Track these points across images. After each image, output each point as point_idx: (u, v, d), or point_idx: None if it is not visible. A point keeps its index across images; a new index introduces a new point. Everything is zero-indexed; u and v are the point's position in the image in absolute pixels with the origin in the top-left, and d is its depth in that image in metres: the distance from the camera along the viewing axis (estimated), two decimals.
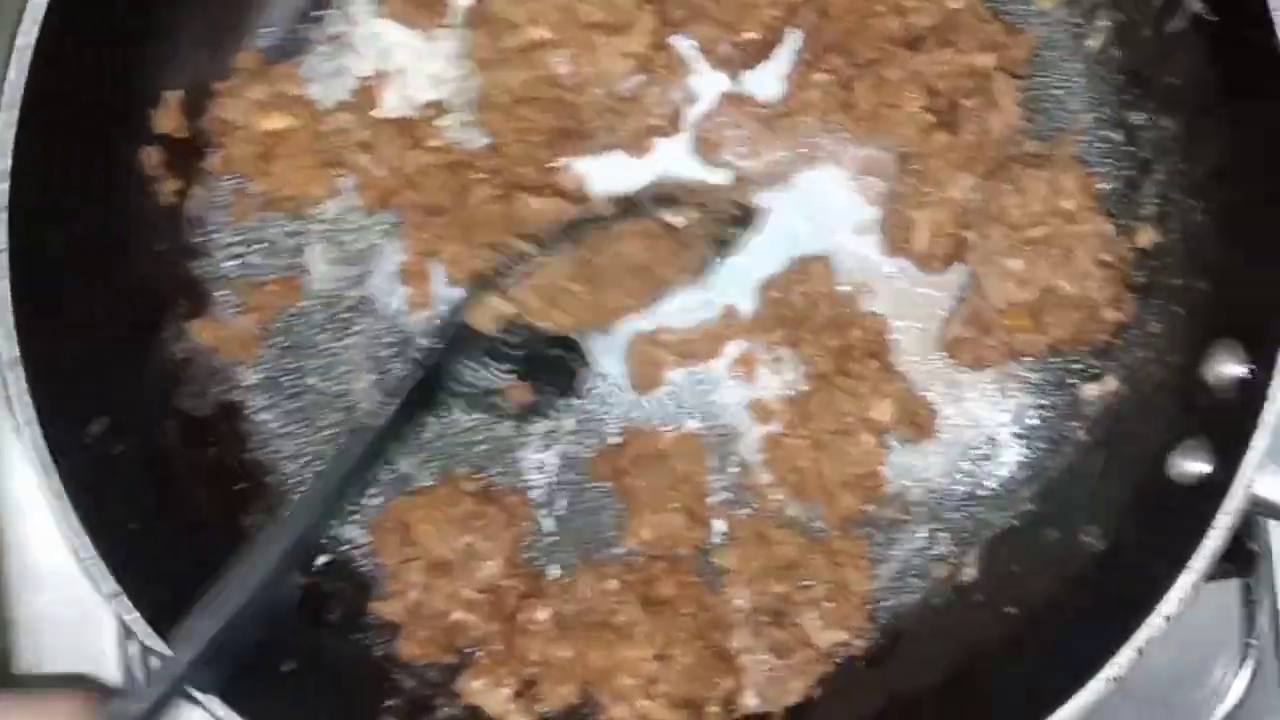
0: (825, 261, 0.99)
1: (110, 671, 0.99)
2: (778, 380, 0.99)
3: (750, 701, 0.96)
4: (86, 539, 0.83)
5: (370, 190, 0.98)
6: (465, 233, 0.96)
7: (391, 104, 0.99)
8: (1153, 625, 0.83)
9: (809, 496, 0.98)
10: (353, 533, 0.99)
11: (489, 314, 0.95)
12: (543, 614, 0.96)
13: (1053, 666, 0.88)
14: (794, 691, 0.96)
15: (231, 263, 1.00)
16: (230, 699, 0.83)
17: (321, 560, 0.98)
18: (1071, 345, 0.97)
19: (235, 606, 0.82)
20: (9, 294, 0.84)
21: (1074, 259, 0.94)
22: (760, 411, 0.99)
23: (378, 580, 0.98)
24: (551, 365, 0.98)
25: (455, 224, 0.96)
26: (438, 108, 0.99)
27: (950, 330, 0.99)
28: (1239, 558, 1.02)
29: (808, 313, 0.98)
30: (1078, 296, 0.94)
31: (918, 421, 0.98)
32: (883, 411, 0.97)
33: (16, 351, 0.84)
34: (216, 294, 0.99)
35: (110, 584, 0.83)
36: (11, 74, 0.83)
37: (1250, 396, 0.84)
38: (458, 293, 0.97)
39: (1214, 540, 0.83)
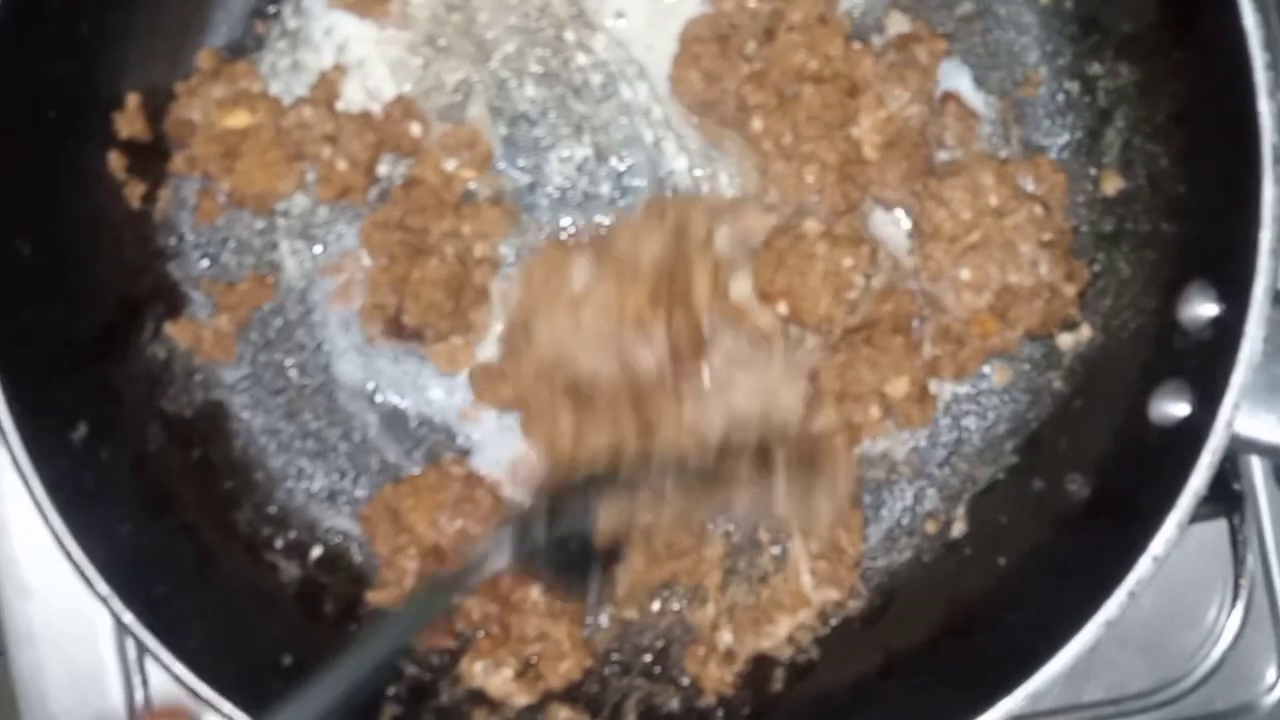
0: None
1: (111, 675, 0.99)
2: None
3: (725, 638, 0.97)
4: (73, 541, 0.83)
5: (329, 184, 0.97)
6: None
7: (352, 96, 0.99)
8: (1142, 567, 0.83)
9: None
10: (345, 524, 1.00)
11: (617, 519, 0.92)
12: (535, 593, 0.97)
13: (1046, 614, 0.89)
14: (769, 636, 0.97)
15: (203, 263, 1.00)
16: (230, 694, 0.84)
17: (315, 553, 0.99)
18: (1045, 328, 0.98)
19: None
20: None
21: (1017, 250, 0.95)
22: None
23: (372, 570, 0.99)
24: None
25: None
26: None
27: (925, 352, 0.99)
28: (1225, 498, 1.03)
29: None
30: (1033, 284, 0.96)
31: (922, 408, 0.99)
32: (898, 388, 0.97)
33: None
34: (191, 294, 0.99)
35: (103, 585, 0.83)
36: None
37: (1225, 335, 0.84)
38: None
39: (1198, 480, 0.83)
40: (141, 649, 0.98)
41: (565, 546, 0.90)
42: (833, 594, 0.98)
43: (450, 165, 0.98)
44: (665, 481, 0.91)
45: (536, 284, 0.96)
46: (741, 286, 0.97)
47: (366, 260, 0.99)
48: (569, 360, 0.94)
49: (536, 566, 0.91)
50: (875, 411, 0.97)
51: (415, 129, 0.98)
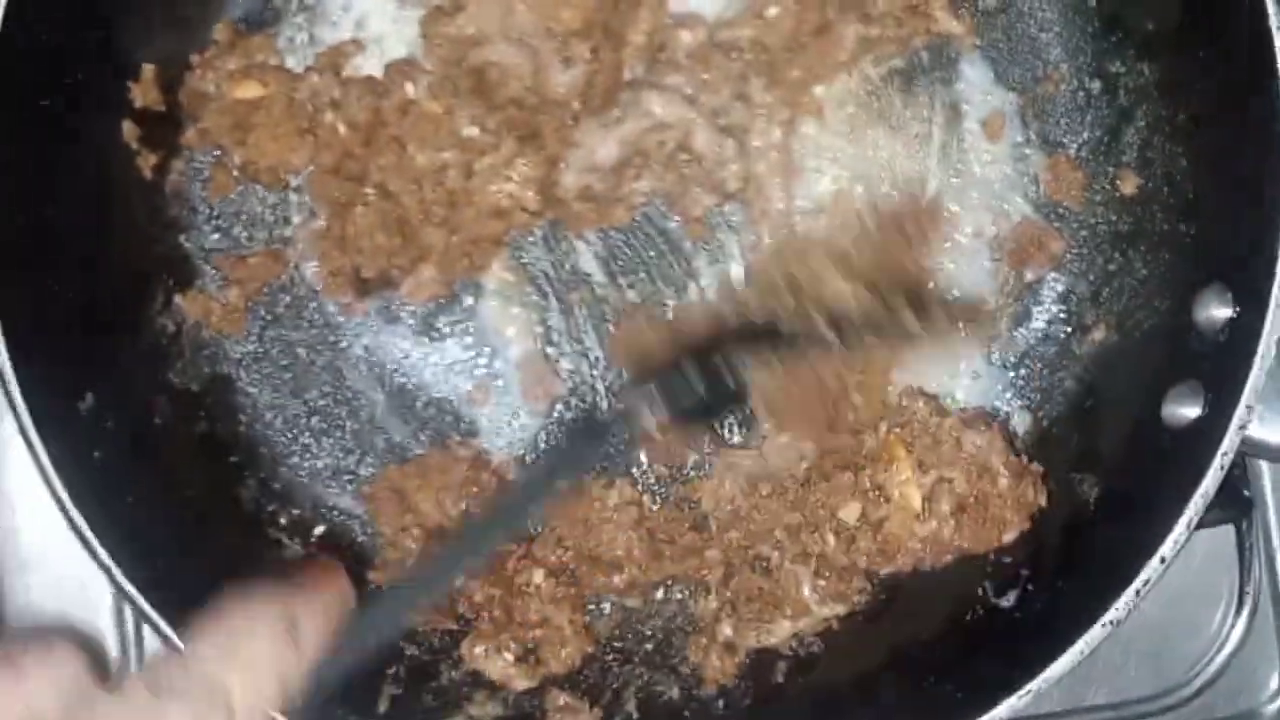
0: None
1: (110, 648, 1.00)
2: None
3: (726, 631, 0.97)
4: (77, 511, 0.82)
5: (330, 150, 0.97)
6: None
7: (370, 72, 0.98)
8: (1150, 568, 0.83)
9: None
10: (348, 503, 0.99)
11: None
12: (539, 577, 0.96)
13: (1052, 614, 0.89)
14: (771, 635, 0.97)
15: (214, 236, 0.99)
16: None
17: (318, 531, 0.99)
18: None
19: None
20: None
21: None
22: None
23: (375, 549, 0.98)
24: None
25: None
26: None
27: None
28: (1234, 504, 1.03)
29: None
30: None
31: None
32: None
33: None
34: (202, 267, 0.99)
35: (105, 555, 0.82)
36: None
37: (1240, 337, 0.84)
38: None
39: (1208, 482, 0.83)
40: (139, 623, 0.99)
41: (719, 397, 0.89)
42: (838, 609, 0.97)
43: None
44: (825, 332, 0.91)
45: None
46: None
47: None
48: (485, 43, 0.93)
49: (690, 420, 0.90)
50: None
51: (409, 89, 0.97)
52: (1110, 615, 0.83)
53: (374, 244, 0.96)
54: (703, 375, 0.88)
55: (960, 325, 0.99)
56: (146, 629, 0.98)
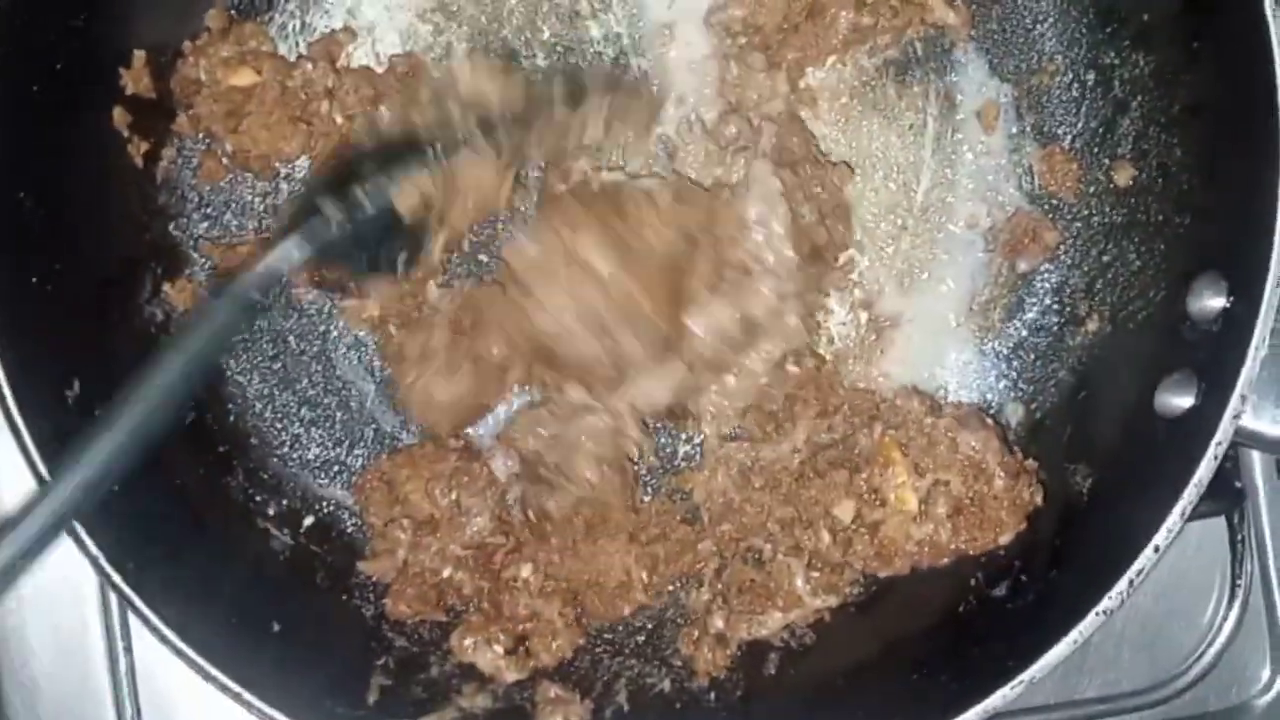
0: None
1: (95, 639, 0.99)
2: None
3: (717, 623, 0.97)
4: None
5: (326, 138, 0.96)
6: None
7: (361, 61, 0.98)
8: (1144, 557, 0.83)
9: None
10: (338, 493, 0.99)
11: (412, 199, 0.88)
12: (527, 571, 0.96)
13: (1045, 603, 0.89)
14: (763, 626, 0.96)
15: (204, 224, 0.98)
16: (218, 661, 0.83)
17: (307, 522, 0.98)
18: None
19: (119, 443, 0.76)
20: None
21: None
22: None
23: (364, 540, 0.98)
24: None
25: None
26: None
27: None
28: (1225, 496, 1.03)
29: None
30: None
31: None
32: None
33: None
34: (191, 255, 0.98)
35: (92, 546, 0.81)
36: None
37: (1234, 327, 0.84)
38: None
39: (1202, 471, 0.83)
40: (125, 614, 0.98)
41: (366, 227, 0.86)
42: (830, 600, 0.97)
43: None
44: (471, 135, 0.89)
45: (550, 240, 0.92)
46: None
47: None
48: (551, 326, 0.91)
49: (336, 259, 0.87)
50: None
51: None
52: (1104, 604, 0.83)
53: None
54: (341, 208, 0.85)
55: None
56: (133, 618, 0.97)
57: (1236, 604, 1.07)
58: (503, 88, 0.92)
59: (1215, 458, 0.83)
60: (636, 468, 0.99)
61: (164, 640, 0.83)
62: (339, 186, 0.86)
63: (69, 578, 0.98)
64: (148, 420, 0.76)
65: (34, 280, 0.86)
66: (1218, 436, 0.83)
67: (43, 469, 0.82)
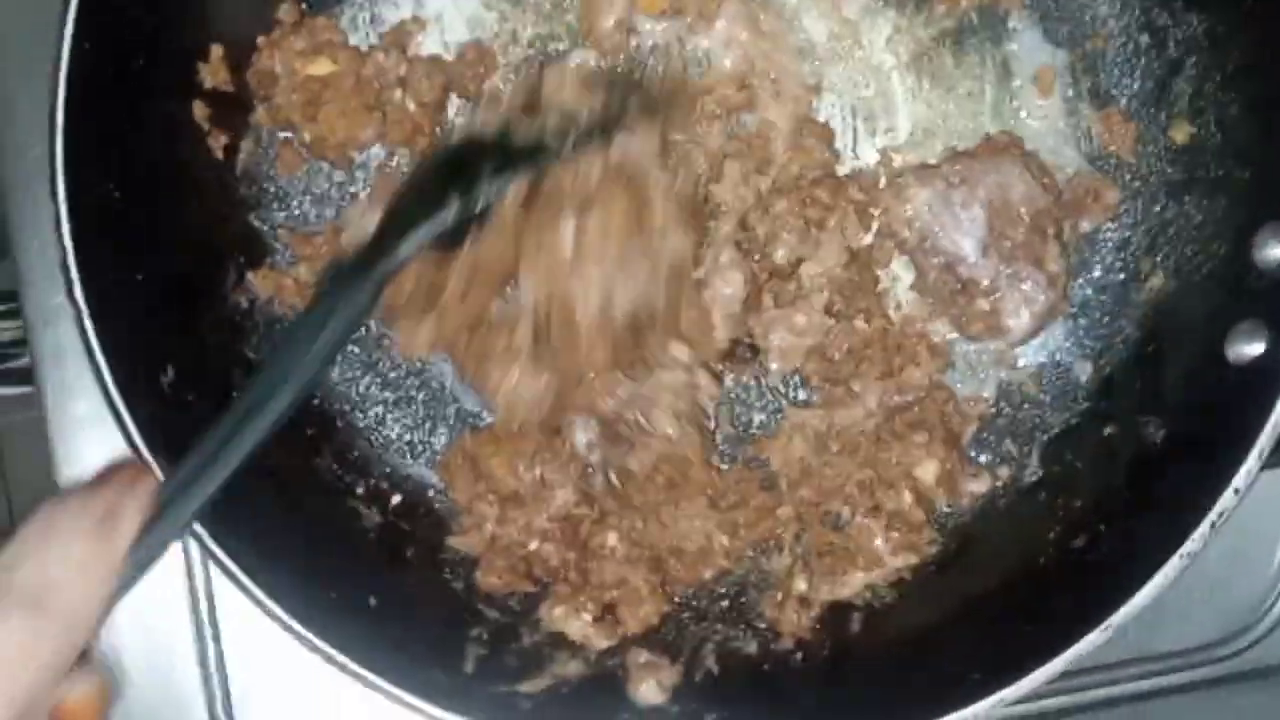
0: None
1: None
2: None
3: (800, 585, 0.98)
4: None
5: (399, 126, 0.98)
6: None
7: (430, 49, 1.00)
8: (1225, 499, 0.84)
9: None
10: (422, 471, 1.01)
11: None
12: (612, 539, 0.97)
13: (1126, 552, 0.90)
14: (845, 586, 0.98)
15: (282, 214, 1.00)
16: (318, 630, 0.84)
17: (395, 500, 1.00)
18: None
19: (263, 429, 0.76)
20: (74, 247, 0.85)
21: None
22: None
23: (451, 516, 1.00)
24: None
25: None
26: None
27: None
28: None
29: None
30: None
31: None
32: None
33: (82, 303, 0.84)
34: (273, 244, 1.00)
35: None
36: (69, 30, 0.84)
37: None
38: None
39: (1278, 414, 0.84)
40: (210, 587, 1.00)
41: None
42: (910, 559, 0.99)
43: None
44: (565, 142, 0.88)
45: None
46: None
47: None
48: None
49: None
50: None
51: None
52: (1188, 547, 0.84)
53: None
54: (464, 202, 0.85)
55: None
56: (219, 592, 0.99)
57: None
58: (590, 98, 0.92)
59: None
60: (713, 428, 1.00)
61: (270, 614, 0.84)
62: (463, 180, 0.86)
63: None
64: (289, 407, 0.77)
65: (126, 269, 0.88)
66: None
67: (146, 455, 0.84)
